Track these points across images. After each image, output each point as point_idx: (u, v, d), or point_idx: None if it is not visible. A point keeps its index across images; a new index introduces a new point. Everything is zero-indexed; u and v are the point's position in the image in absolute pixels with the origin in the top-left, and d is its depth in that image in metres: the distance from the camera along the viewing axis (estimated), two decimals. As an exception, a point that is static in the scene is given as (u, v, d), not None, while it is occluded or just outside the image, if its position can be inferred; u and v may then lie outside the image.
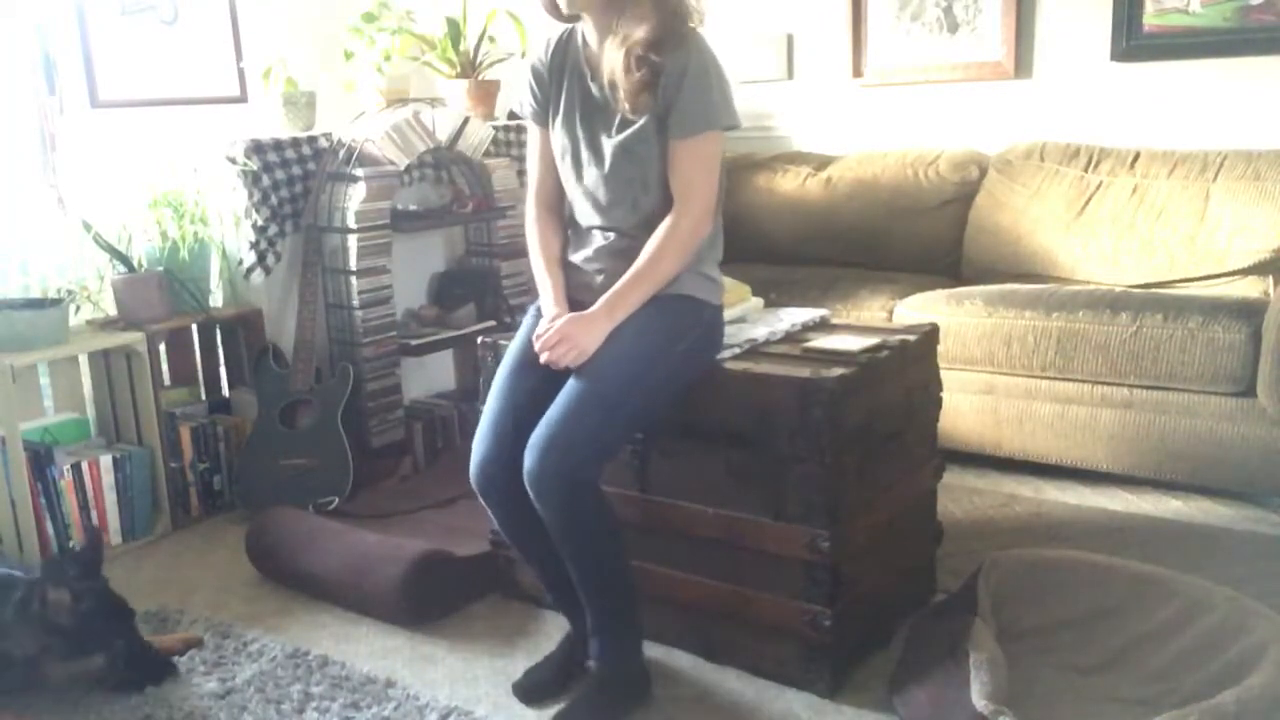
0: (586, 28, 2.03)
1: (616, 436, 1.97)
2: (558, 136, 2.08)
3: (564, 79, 2.07)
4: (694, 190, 1.97)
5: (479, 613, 2.44)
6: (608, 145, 2.00)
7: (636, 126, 1.96)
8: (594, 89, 2.03)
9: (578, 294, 2.10)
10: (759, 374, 2.04)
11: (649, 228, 2.01)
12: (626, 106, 1.94)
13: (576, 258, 2.12)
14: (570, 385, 1.93)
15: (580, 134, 2.04)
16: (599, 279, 2.07)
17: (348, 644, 2.37)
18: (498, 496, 2.01)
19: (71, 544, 2.77)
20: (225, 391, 3.33)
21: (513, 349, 2.11)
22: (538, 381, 2.00)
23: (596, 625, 2.03)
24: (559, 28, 2.12)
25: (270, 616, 2.51)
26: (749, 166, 3.94)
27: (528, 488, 1.90)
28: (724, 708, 2.05)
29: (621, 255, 2.04)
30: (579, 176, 2.07)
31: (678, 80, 1.91)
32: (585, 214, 2.10)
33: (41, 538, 2.75)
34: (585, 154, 2.04)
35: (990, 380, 3.03)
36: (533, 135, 2.18)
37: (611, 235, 2.07)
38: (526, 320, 2.15)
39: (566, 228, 2.17)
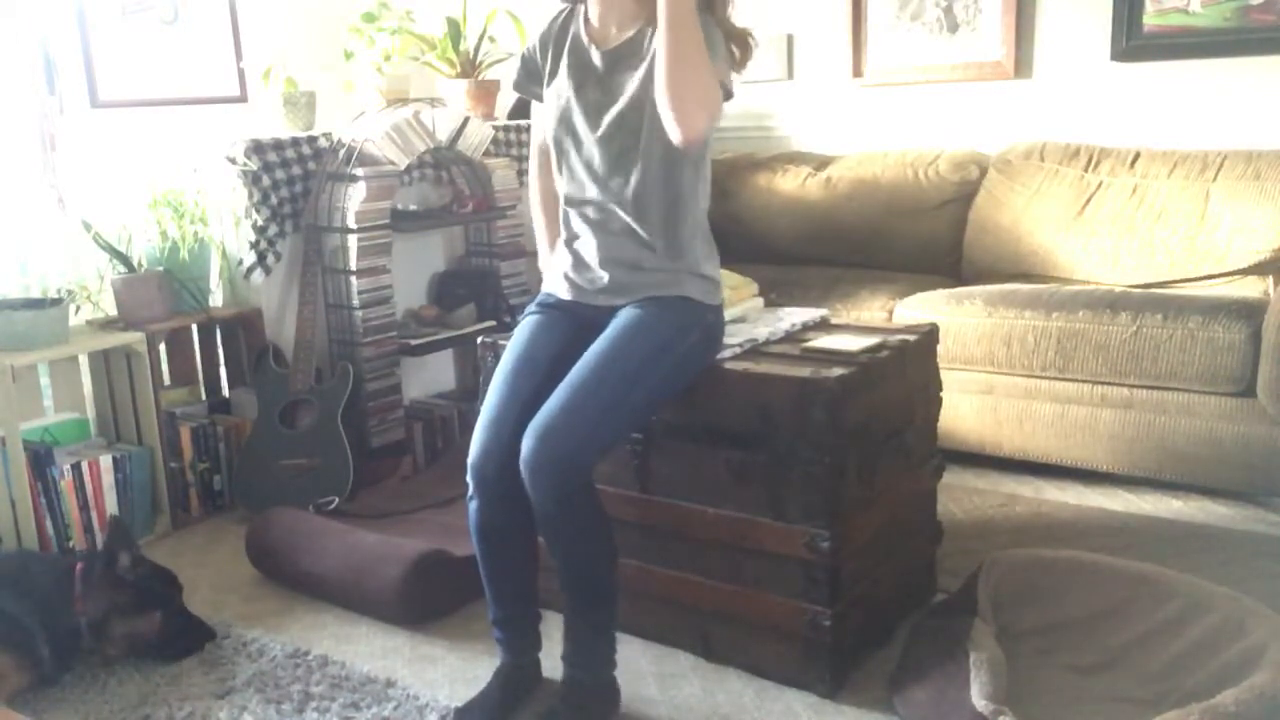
0: (590, 6, 2.06)
1: (613, 433, 1.97)
2: (552, 99, 2.10)
3: (564, 50, 2.09)
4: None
5: (479, 613, 2.43)
6: (605, 115, 2.01)
7: (630, 94, 1.98)
8: (595, 59, 2.04)
9: (582, 297, 2.10)
10: (759, 374, 2.04)
11: (639, 205, 2.02)
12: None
13: (576, 258, 2.12)
14: (570, 379, 1.93)
15: (575, 102, 2.05)
16: (604, 277, 2.07)
17: (348, 644, 2.37)
18: (491, 489, 1.98)
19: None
20: (225, 391, 3.33)
21: (513, 346, 2.10)
22: (540, 379, 2.01)
23: (573, 627, 2.01)
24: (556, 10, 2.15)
25: (270, 616, 2.51)
26: (749, 166, 3.94)
27: (523, 473, 1.89)
28: (724, 708, 2.05)
29: (621, 236, 2.04)
30: (575, 144, 2.07)
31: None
32: (580, 188, 2.08)
33: (41, 538, 2.75)
34: (580, 121, 2.05)
35: (990, 380, 3.03)
36: (534, 106, 2.23)
37: (609, 216, 2.06)
38: (526, 318, 2.15)
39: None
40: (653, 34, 1.96)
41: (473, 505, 2.02)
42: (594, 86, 2.04)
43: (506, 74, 3.58)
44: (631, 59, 2.00)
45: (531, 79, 2.17)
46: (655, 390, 2.00)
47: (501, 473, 1.95)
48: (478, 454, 1.99)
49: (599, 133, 2.02)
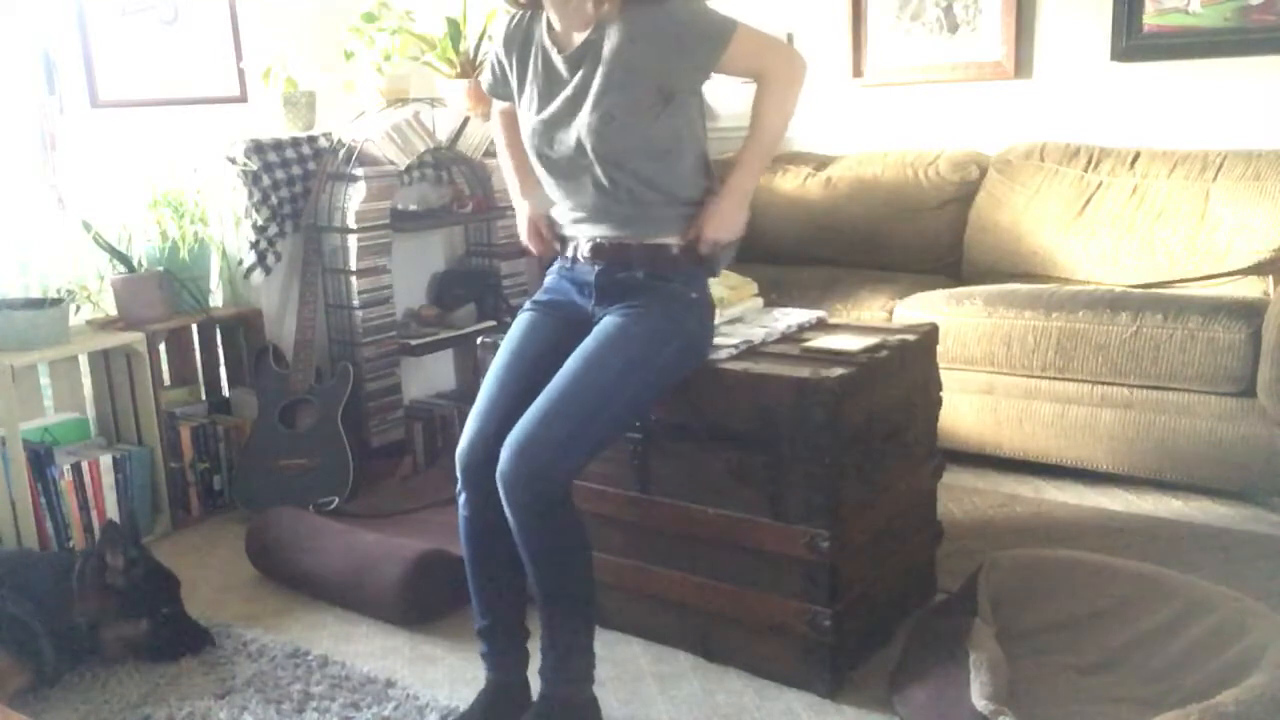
0: (550, 12, 2.01)
1: (591, 444, 1.92)
2: (524, 113, 2.07)
3: (529, 59, 2.05)
4: (766, 59, 2.05)
5: (479, 613, 2.44)
6: (576, 123, 1.97)
7: (594, 95, 1.95)
8: (560, 66, 2.00)
9: (576, 295, 2.10)
10: (759, 374, 2.04)
11: (630, 204, 2.00)
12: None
13: (566, 248, 2.12)
14: (548, 391, 1.90)
15: (548, 115, 2.01)
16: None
17: (348, 644, 2.37)
18: (477, 481, 1.96)
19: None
20: (225, 391, 3.33)
21: (506, 342, 2.10)
22: (528, 376, 2.00)
23: (549, 642, 1.96)
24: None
25: (270, 616, 2.51)
26: (749, 166, 3.93)
27: (499, 487, 1.87)
28: (724, 708, 2.05)
29: (608, 225, 2.03)
30: (552, 156, 2.03)
31: (670, 25, 1.93)
32: (562, 199, 2.07)
33: (41, 538, 2.75)
34: (555, 133, 2.01)
35: (990, 380, 3.03)
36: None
37: (595, 215, 2.05)
38: (521, 314, 2.15)
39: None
40: (609, 33, 1.94)
41: (461, 499, 2.00)
42: (564, 96, 2.00)
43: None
44: (592, 61, 1.96)
45: (500, 83, 2.14)
46: (635, 398, 1.97)
47: (486, 465, 1.92)
48: (464, 446, 1.98)
49: (574, 143, 1.98)
